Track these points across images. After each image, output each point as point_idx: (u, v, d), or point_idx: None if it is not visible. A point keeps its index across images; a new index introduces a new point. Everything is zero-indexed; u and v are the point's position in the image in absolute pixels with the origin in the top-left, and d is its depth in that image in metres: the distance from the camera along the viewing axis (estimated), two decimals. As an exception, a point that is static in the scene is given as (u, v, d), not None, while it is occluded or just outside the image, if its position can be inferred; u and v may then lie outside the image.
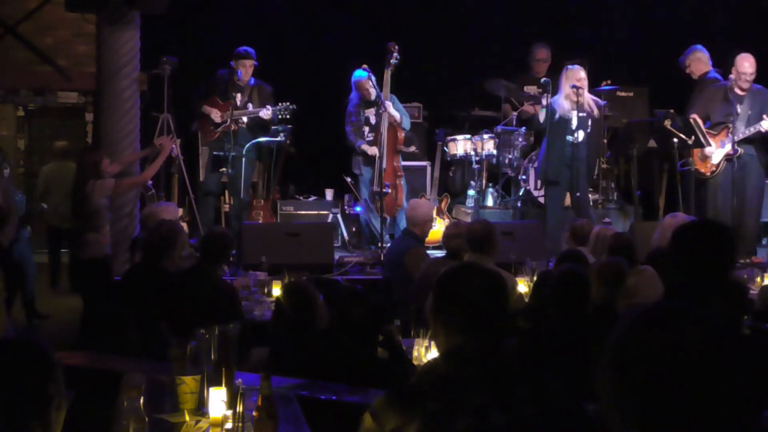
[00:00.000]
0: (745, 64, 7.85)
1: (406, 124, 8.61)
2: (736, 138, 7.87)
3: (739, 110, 7.84)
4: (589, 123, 8.11)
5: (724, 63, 8.35)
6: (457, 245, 5.77)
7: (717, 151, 8.01)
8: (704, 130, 8.02)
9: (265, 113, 8.40)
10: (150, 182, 8.08)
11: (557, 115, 8.08)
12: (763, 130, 7.78)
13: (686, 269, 2.98)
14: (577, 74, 8.06)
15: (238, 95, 8.53)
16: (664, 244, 6.12)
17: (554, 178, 8.16)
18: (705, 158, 8.07)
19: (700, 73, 8.59)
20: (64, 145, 9.68)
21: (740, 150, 7.88)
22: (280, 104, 8.44)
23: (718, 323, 1.39)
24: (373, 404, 2.19)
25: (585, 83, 8.11)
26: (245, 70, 8.47)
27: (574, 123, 8.06)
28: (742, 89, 7.87)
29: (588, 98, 8.18)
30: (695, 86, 8.57)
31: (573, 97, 7.98)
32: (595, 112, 8.17)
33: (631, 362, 1.39)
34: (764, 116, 7.80)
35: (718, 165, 8.01)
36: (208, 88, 8.65)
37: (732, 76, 7.98)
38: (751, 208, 8.06)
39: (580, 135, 8.07)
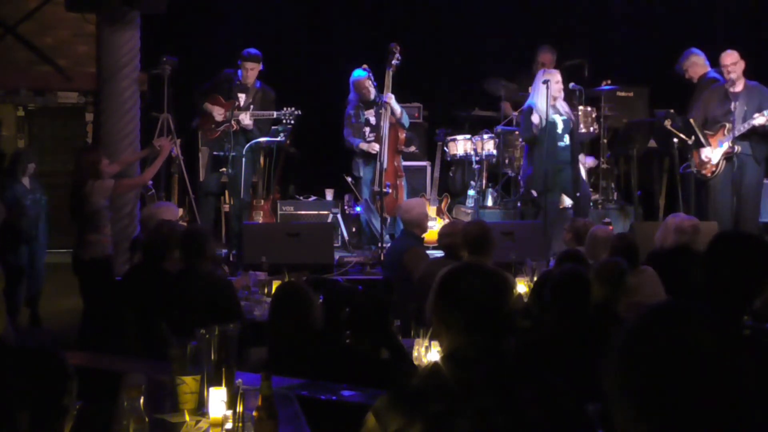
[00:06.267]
0: (727, 59, 7.88)
1: (405, 121, 8.61)
2: (732, 136, 7.87)
3: (733, 108, 7.85)
4: (571, 125, 8.17)
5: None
6: (449, 243, 5.80)
7: (715, 151, 8.01)
8: (701, 131, 8.02)
9: (245, 120, 8.37)
10: (150, 182, 8.07)
11: (545, 120, 8.11)
12: (756, 125, 7.79)
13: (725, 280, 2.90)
14: (555, 77, 8.17)
15: (242, 96, 8.51)
16: (667, 245, 6.13)
17: (552, 182, 8.16)
18: (702, 163, 8.05)
19: (699, 76, 8.59)
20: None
21: (738, 147, 7.88)
22: (285, 108, 8.43)
23: (725, 323, 1.39)
24: (376, 405, 2.19)
25: (560, 86, 8.18)
26: (246, 72, 8.45)
27: (560, 128, 8.13)
28: (732, 84, 7.88)
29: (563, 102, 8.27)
30: (696, 88, 8.57)
31: (552, 101, 8.06)
32: (571, 116, 8.25)
33: (638, 361, 1.39)
34: (756, 114, 7.80)
35: (717, 165, 8.01)
36: (212, 86, 8.64)
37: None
38: (748, 208, 8.05)
39: (566, 138, 8.14)
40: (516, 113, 9.55)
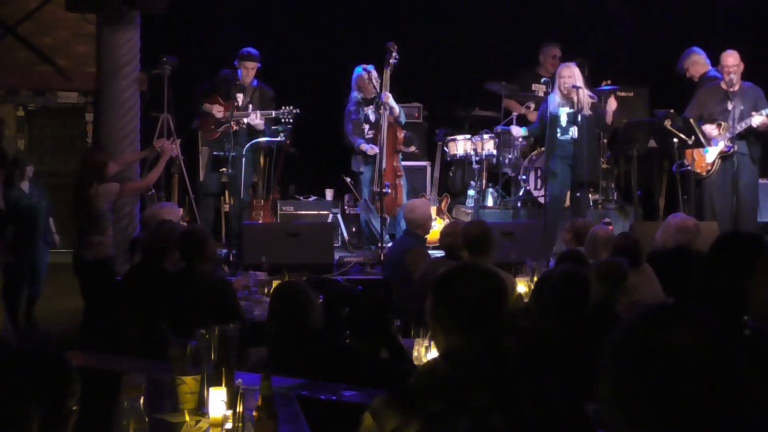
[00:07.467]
0: (729, 59, 7.87)
1: (402, 118, 8.60)
2: (729, 135, 7.88)
3: (730, 107, 7.85)
4: (579, 119, 8.06)
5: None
6: (449, 243, 5.82)
7: (711, 149, 8.01)
8: (700, 131, 8.02)
9: (254, 120, 8.37)
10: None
11: (548, 113, 8.12)
12: (753, 125, 7.80)
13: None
14: (569, 71, 8.08)
15: (240, 96, 8.51)
16: (668, 245, 6.15)
17: (552, 175, 8.16)
18: (701, 157, 8.07)
19: (700, 75, 8.59)
20: None
21: (735, 147, 7.88)
22: (284, 108, 8.43)
23: (716, 324, 1.39)
24: (373, 404, 2.19)
25: (579, 81, 8.10)
26: (246, 71, 8.46)
27: (564, 121, 8.09)
28: (730, 85, 7.88)
29: (585, 95, 8.16)
30: (696, 87, 8.57)
31: (571, 95, 7.99)
32: (585, 110, 8.13)
33: (630, 364, 1.39)
34: (753, 113, 7.81)
35: (712, 163, 8.02)
36: (211, 87, 8.64)
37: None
38: (746, 207, 8.05)
39: (574, 131, 8.06)
40: (515, 114, 9.53)
